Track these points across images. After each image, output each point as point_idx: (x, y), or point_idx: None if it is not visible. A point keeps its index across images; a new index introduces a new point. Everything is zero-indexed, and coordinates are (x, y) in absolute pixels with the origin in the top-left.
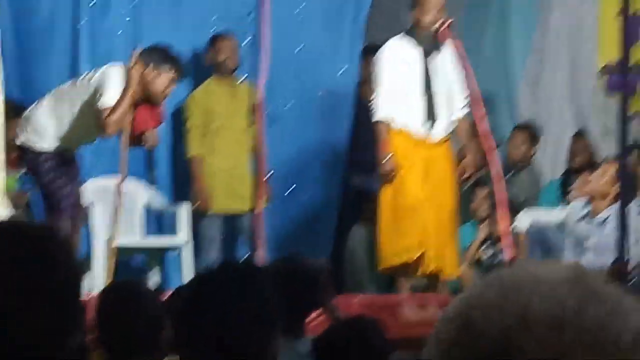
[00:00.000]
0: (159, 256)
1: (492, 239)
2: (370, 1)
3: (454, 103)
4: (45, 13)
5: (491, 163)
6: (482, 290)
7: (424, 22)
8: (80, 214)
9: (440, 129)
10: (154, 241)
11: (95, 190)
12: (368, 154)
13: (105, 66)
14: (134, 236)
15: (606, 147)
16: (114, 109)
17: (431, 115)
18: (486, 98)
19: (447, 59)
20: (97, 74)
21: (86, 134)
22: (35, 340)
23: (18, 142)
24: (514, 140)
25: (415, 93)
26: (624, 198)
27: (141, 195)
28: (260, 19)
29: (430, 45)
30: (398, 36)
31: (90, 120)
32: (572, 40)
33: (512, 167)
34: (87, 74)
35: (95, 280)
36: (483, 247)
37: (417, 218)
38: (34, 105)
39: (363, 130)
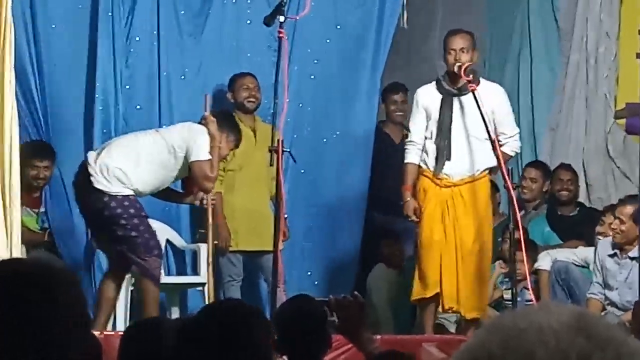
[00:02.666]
0: (180, 294)
1: (513, 279)
2: (391, 41)
3: (485, 142)
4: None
5: (511, 202)
6: (484, 338)
7: (448, 66)
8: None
9: (461, 169)
10: (175, 279)
11: None
12: (390, 193)
13: (183, 125)
14: None
15: (621, 190)
16: (212, 166)
17: (448, 156)
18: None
19: (474, 101)
20: (178, 132)
21: (163, 183)
22: None
23: (98, 186)
24: (525, 175)
25: (433, 136)
26: None
27: (162, 234)
28: (279, 60)
29: (455, 88)
30: (432, 82)
31: (174, 176)
32: (591, 81)
33: (525, 205)
34: (160, 130)
35: (117, 318)
36: (504, 287)
37: (431, 257)
38: (101, 151)
39: (384, 170)
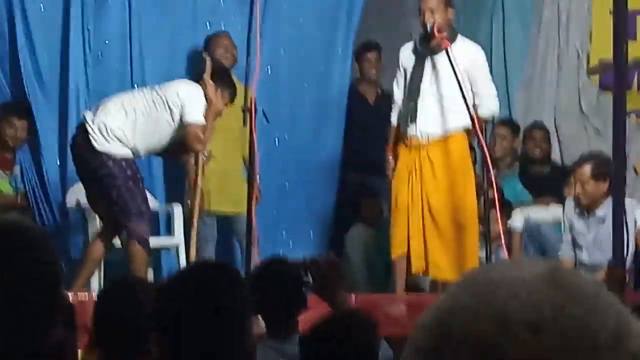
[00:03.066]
0: (153, 256)
1: (488, 239)
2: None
3: (455, 103)
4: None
5: (485, 161)
6: (457, 294)
7: (423, 25)
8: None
9: (429, 130)
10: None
11: None
12: (365, 153)
13: (180, 82)
14: None
15: (593, 147)
16: (204, 126)
17: (413, 117)
18: None
19: (447, 61)
20: (174, 89)
21: (162, 144)
22: (11, 334)
23: (97, 147)
24: (495, 134)
25: (405, 96)
26: (617, 197)
27: None
28: (252, 19)
29: (428, 49)
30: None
31: (170, 133)
32: (563, 38)
33: (498, 163)
34: (156, 87)
35: (91, 280)
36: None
37: (399, 218)
38: (97, 111)
39: (359, 130)
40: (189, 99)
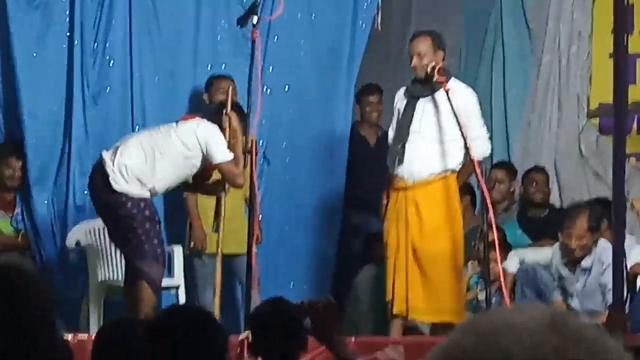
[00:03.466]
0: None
1: (487, 280)
2: (366, 43)
3: (447, 144)
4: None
5: (484, 203)
6: (459, 339)
7: (413, 69)
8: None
9: (415, 172)
10: None
11: (89, 232)
12: (365, 194)
13: (196, 122)
14: None
15: (593, 191)
16: (237, 161)
17: (401, 158)
18: None
19: (439, 102)
20: (191, 129)
21: (178, 182)
22: None
23: (116, 187)
24: (491, 177)
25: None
26: (617, 241)
27: None
28: (252, 61)
29: (420, 91)
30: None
31: (188, 170)
32: (563, 82)
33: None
34: (172, 125)
35: (91, 321)
36: (479, 288)
37: (388, 261)
38: (116, 151)
39: (360, 171)
40: (211, 141)
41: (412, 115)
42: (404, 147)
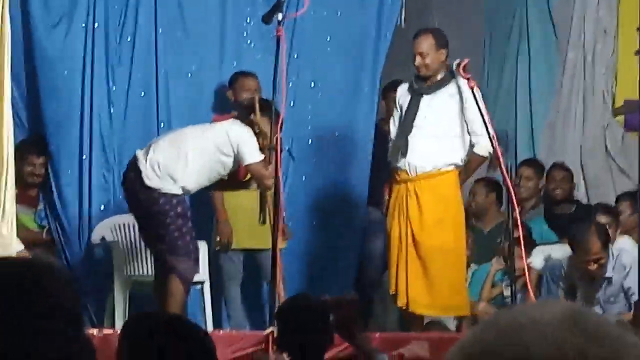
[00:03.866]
0: None
1: (512, 277)
2: (390, 40)
3: (451, 140)
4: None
5: (510, 200)
6: (480, 333)
7: (416, 68)
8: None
9: (417, 164)
10: None
11: (114, 227)
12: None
13: (228, 123)
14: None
15: (619, 187)
16: (265, 161)
17: (404, 151)
18: (507, 137)
19: (444, 99)
20: (224, 130)
21: (211, 180)
22: None
23: (149, 184)
24: (520, 175)
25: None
26: None
27: None
28: (277, 58)
29: (425, 89)
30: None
31: (220, 170)
32: (588, 79)
33: (523, 203)
34: (205, 125)
35: (116, 315)
36: (504, 284)
37: (392, 255)
38: (149, 149)
39: (384, 168)
40: (242, 142)
41: (417, 111)
42: (407, 140)
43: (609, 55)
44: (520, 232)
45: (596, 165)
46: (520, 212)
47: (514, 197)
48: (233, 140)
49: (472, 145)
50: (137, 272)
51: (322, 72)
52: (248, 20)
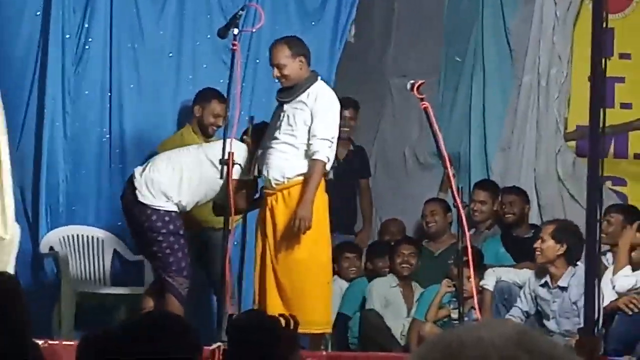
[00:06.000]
0: (126, 304)
1: (460, 299)
2: (340, 56)
3: (302, 149)
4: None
5: (460, 221)
6: (426, 352)
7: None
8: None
9: (271, 176)
10: (118, 290)
11: (63, 239)
12: (334, 208)
13: (229, 141)
14: (101, 285)
15: (569, 212)
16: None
17: (261, 163)
18: (460, 158)
19: (298, 107)
20: (221, 149)
21: (207, 198)
22: None
23: (142, 200)
24: (474, 198)
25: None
26: (590, 263)
27: (109, 245)
28: (232, 72)
29: (282, 97)
30: None
31: (216, 188)
32: (542, 103)
33: (477, 225)
34: (202, 145)
35: (62, 327)
36: (452, 307)
37: (255, 270)
38: (145, 166)
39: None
40: (238, 159)
41: (277, 122)
42: (265, 153)
43: (562, 80)
44: (469, 255)
45: (549, 189)
46: (473, 234)
47: (464, 219)
48: (238, 152)
49: (311, 151)
50: (84, 284)
51: (271, 87)
52: (205, 35)
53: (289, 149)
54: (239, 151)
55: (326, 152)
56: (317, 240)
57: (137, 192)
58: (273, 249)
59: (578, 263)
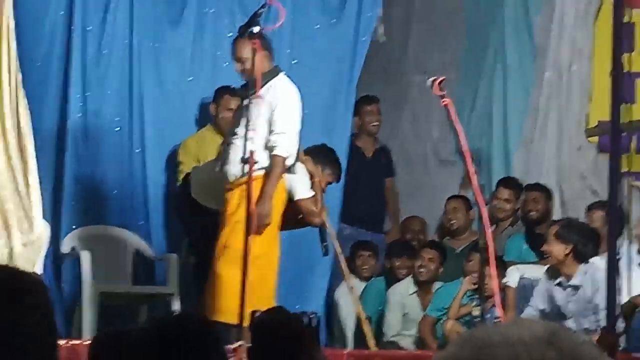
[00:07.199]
0: (148, 304)
1: (482, 296)
2: (365, 55)
3: (261, 143)
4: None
5: (482, 219)
6: (454, 350)
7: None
8: None
9: (233, 171)
10: (142, 289)
11: (84, 238)
12: (360, 207)
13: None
14: (123, 284)
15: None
16: (316, 200)
17: (225, 157)
18: (481, 155)
19: (258, 101)
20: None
21: None
22: None
23: (194, 195)
24: (497, 196)
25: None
26: (611, 260)
27: (130, 243)
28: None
29: (244, 93)
30: None
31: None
32: (563, 99)
33: (496, 222)
34: None
35: (84, 326)
36: (474, 304)
37: None
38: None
39: (355, 183)
40: (294, 177)
41: (240, 117)
42: (227, 147)
43: (584, 76)
44: (491, 252)
45: (572, 186)
46: (495, 231)
47: (486, 217)
48: (287, 175)
49: (272, 147)
50: (106, 284)
51: (296, 86)
52: (227, 33)
53: (247, 143)
54: (299, 172)
55: (285, 147)
56: (270, 232)
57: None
58: (229, 242)
59: (590, 260)
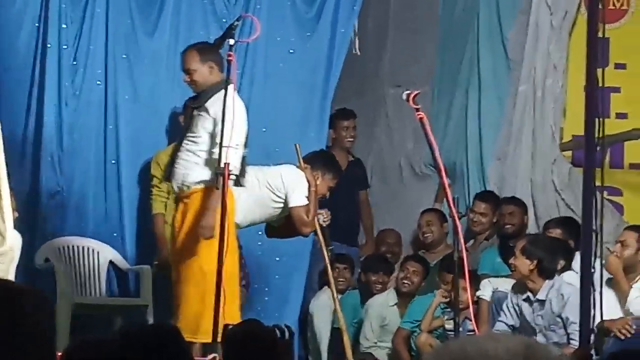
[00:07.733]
0: (122, 315)
1: (455, 309)
2: (341, 67)
3: (205, 155)
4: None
5: (456, 231)
6: None
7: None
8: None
9: (179, 182)
10: (117, 301)
11: (58, 249)
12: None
13: (284, 167)
14: (97, 295)
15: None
16: (309, 209)
17: (170, 168)
18: (456, 168)
19: (203, 113)
20: (278, 172)
21: (261, 219)
22: None
23: None
24: (474, 209)
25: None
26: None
27: (104, 255)
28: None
29: (192, 103)
30: None
31: (271, 210)
32: (538, 113)
33: (473, 236)
34: (263, 168)
35: (59, 339)
36: (446, 317)
37: None
38: None
39: (332, 196)
40: (293, 186)
41: (186, 128)
42: (172, 160)
43: (557, 90)
44: (465, 265)
45: (546, 199)
46: (472, 245)
47: (460, 230)
48: (286, 181)
49: (219, 159)
50: (80, 295)
51: (272, 98)
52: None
53: (190, 156)
54: (299, 177)
55: (230, 160)
56: (231, 248)
57: None
58: (174, 256)
59: (557, 275)
